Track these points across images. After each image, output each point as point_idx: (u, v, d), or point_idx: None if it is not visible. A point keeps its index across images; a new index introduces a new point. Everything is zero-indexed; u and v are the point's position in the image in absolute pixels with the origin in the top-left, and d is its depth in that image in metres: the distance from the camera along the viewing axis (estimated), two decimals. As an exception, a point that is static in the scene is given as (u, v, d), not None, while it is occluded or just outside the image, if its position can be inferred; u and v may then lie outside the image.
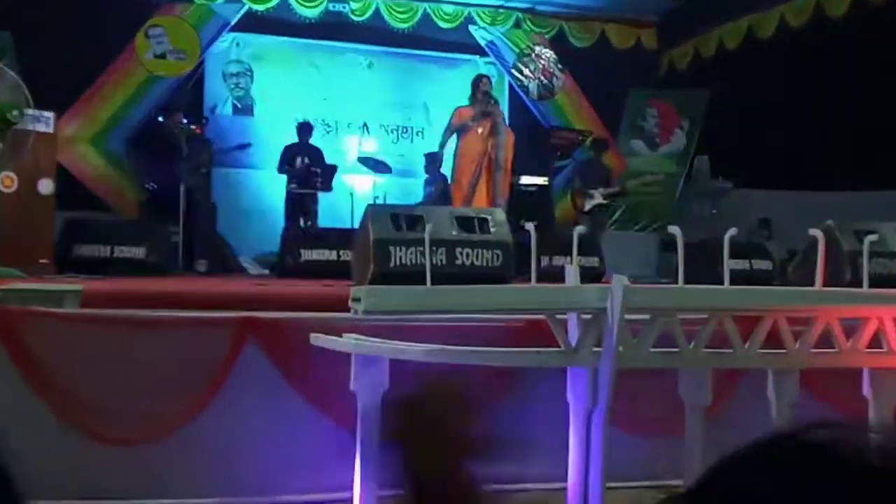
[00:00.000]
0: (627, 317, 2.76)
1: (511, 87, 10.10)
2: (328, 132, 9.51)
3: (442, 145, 7.43)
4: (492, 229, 4.56)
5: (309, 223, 7.79)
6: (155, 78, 8.61)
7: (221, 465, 3.57)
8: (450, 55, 9.89)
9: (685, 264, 3.18)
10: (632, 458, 3.58)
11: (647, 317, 2.94)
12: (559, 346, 2.86)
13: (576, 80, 10.06)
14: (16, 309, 3.59)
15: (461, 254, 4.40)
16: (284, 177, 8.24)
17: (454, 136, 7.23)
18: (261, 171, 9.01)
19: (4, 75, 5.52)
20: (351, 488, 3.23)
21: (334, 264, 5.73)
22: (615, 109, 10.14)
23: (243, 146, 8.07)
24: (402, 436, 0.72)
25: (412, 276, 3.88)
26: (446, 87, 9.44)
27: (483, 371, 3.56)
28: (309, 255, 5.84)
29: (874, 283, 3.66)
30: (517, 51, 10.06)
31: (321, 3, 9.23)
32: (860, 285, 3.55)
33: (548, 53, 10.08)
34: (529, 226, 3.68)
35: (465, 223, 4.56)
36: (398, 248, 4.33)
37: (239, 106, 9.41)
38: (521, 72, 10.04)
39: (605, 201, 8.23)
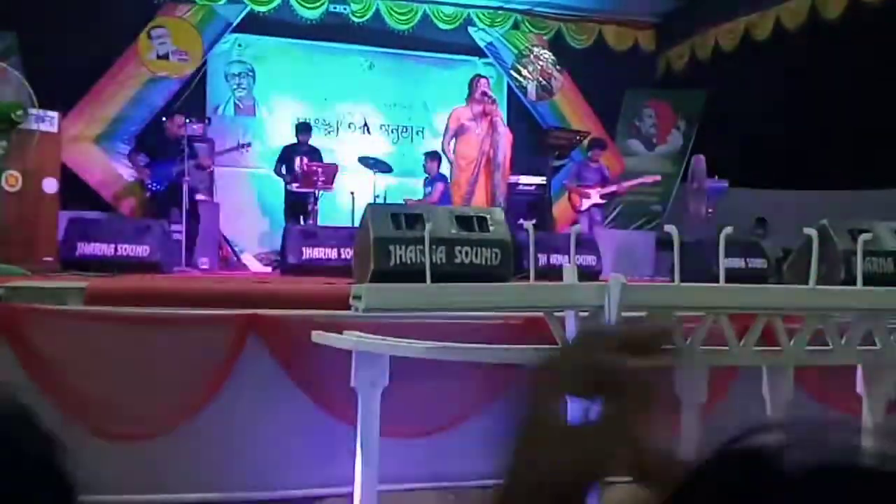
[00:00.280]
0: (624, 314, 2.80)
1: (510, 87, 10.15)
2: (329, 132, 9.56)
3: (443, 149, 7.47)
4: (491, 228, 4.60)
5: (310, 221, 7.84)
6: (158, 78, 8.65)
7: (224, 461, 3.61)
8: (449, 56, 9.94)
9: (681, 263, 3.22)
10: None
11: (643, 315, 2.98)
12: (557, 344, 2.91)
13: (574, 80, 10.11)
14: (20, 306, 3.62)
15: (460, 252, 4.43)
16: (277, 175, 8.29)
17: (454, 140, 7.28)
18: (263, 170, 9.06)
19: (9, 75, 5.56)
20: (352, 484, 3.27)
21: (335, 262, 5.77)
22: (613, 110, 10.19)
23: (243, 146, 8.11)
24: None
25: (412, 274, 3.92)
26: (446, 88, 9.49)
27: (482, 368, 3.61)
28: (310, 253, 5.88)
29: (868, 281, 3.70)
30: (516, 52, 10.11)
31: (322, 4, 9.28)
32: (854, 284, 3.59)
33: (546, 54, 10.13)
34: (528, 225, 3.72)
35: (464, 222, 4.60)
36: (398, 247, 4.37)
37: (241, 106, 9.46)
38: (519, 73, 10.09)
39: (601, 201, 8.30)
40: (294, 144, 8.40)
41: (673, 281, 3.25)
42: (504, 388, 3.73)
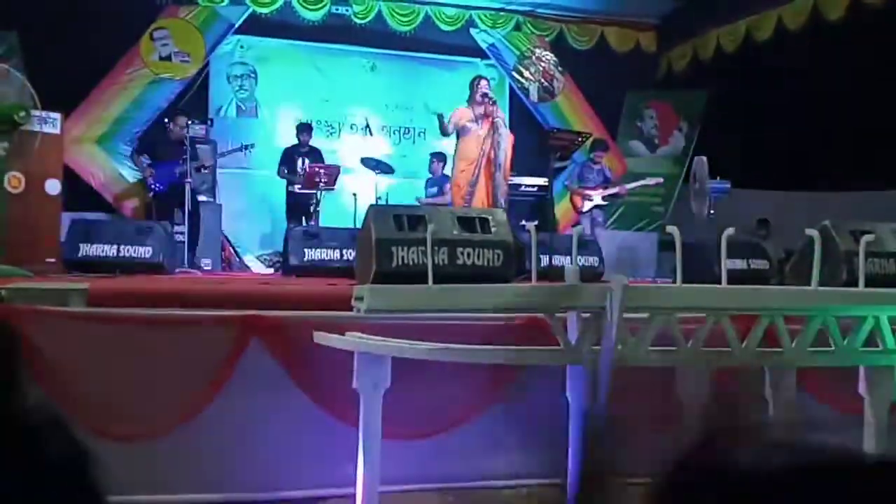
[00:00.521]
0: (626, 316, 2.80)
1: (511, 89, 10.16)
2: (331, 133, 9.57)
3: (444, 131, 7.42)
4: (493, 229, 4.61)
5: (312, 223, 7.85)
6: (160, 80, 8.66)
7: (225, 462, 3.61)
8: (451, 58, 9.94)
9: (683, 264, 3.22)
10: (630, 455, 3.61)
11: (645, 316, 2.98)
12: (559, 345, 2.91)
13: (576, 82, 10.12)
14: (23, 307, 3.63)
15: (462, 253, 4.44)
16: (279, 176, 8.30)
17: (454, 134, 7.27)
18: (265, 171, 9.07)
19: (11, 77, 5.57)
20: (353, 484, 3.27)
21: (337, 263, 5.78)
22: (614, 111, 10.19)
23: (246, 147, 8.12)
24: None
25: (414, 275, 3.92)
26: (447, 89, 9.49)
27: (484, 369, 3.61)
28: (312, 254, 5.89)
29: (870, 282, 3.70)
30: (518, 53, 10.11)
31: (324, 6, 9.30)
32: (856, 285, 3.59)
33: (548, 56, 10.13)
34: (530, 226, 3.73)
35: (466, 223, 4.60)
36: (400, 248, 4.37)
37: (243, 107, 9.48)
38: (521, 74, 10.10)
39: (603, 202, 8.30)
40: (295, 145, 8.41)
41: (675, 282, 3.25)
42: (506, 389, 3.73)
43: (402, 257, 4.36)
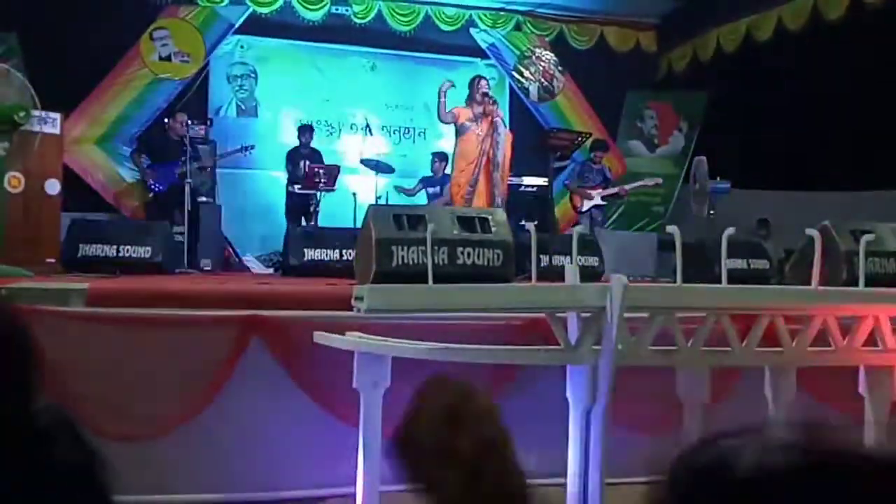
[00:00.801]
0: (626, 315, 2.80)
1: (511, 88, 10.16)
2: (331, 133, 9.57)
3: (440, 118, 7.43)
4: (493, 229, 4.61)
5: (312, 223, 7.85)
6: (160, 80, 8.66)
7: (225, 462, 3.61)
8: (451, 57, 9.94)
9: (683, 264, 3.22)
10: (630, 456, 3.61)
11: (645, 315, 2.98)
12: (559, 345, 2.91)
13: (575, 81, 10.12)
14: (22, 307, 3.63)
15: (462, 253, 4.44)
16: (286, 177, 8.30)
17: (450, 128, 7.28)
18: (265, 171, 9.07)
19: (11, 77, 5.57)
20: (354, 484, 3.27)
21: (337, 264, 5.78)
22: (614, 111, 10.20)
23: (246, 148, 8.12)
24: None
25: (414, 275, 3.92)
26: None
27: (484, 369, 3.61)
28: (312, 254, 5.89)
29: (870, 282, 3.70)
30: (518, 53, 10.11)
31: (324, 6, 9.30)
32: (856, 284, 3.59)
33: (548, 55, 10.13)
34: (530, 226, 3.73)
35: (466, 223, 4.60)
36: (400, 248, 4.37)
37: (243, 108, 9.47)
38: (521, 74, 10.10)
39: (603, 202, 8.29)
40: (296, 147, 8.41)
41: (675, 282, 3.25)
42: (505, 389, 3.73)
43: (402, 257, 4.36)
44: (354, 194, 8.25)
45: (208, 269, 7.15)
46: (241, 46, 9.42)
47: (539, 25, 10.20)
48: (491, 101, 7.11)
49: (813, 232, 3.55)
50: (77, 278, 4.78)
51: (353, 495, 3.27)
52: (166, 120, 7.93)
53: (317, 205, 7.92)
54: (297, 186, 8.04)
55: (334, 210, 8.22)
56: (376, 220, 4.49)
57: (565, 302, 2.96)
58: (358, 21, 9.52)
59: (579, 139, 7.95)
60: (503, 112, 8.01)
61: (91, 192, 8.23)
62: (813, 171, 8.81)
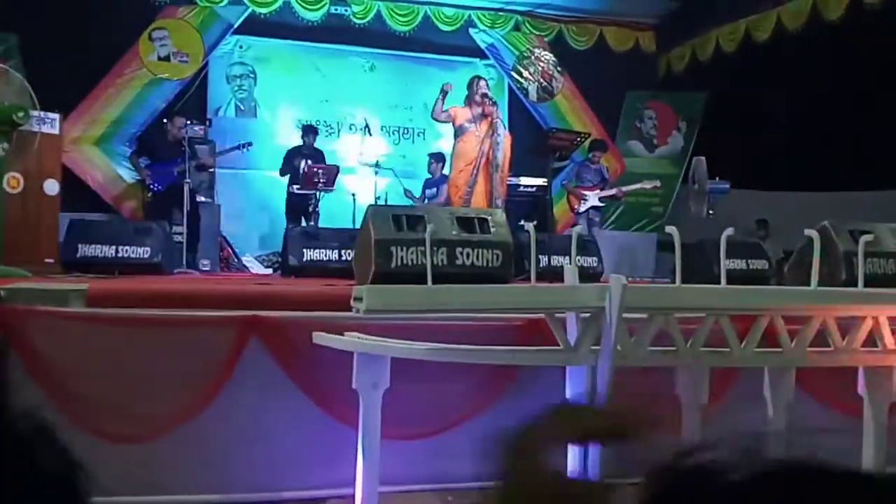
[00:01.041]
0: (625, 316, 2.80)
1: (510, 89, 10.16)
2: (330, 134, 9.57)
3: (433, 117, 7.44)
4: (492, 230, 4.61)
5: (311, 223, 7.84)
6: (159, 80, 8.66)
7: (225, 463, 3.61)
8: (450, 58, 9.95)
9: (682, 264, 3.23)
10: (630, 456, 3.62)
11: (644, 316, 2.98)
12: (558, 345, 2.91)
13: (574, 81, 10.12)
14: (22, 308, 3.62)
15: (461, 254, 4.44)
16: (286, 177, 8.30)
17: (449, 129, 7.28)
18: (263, 171, 9.08)
19: (10, 77, 5.56)
20: (353, 485, 3.27)
21: (336, 264, 5.78)
22: (613, 111, 10.20)
23: (244, 145, 8.12)
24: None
25: (413, 275, 3.92)
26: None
27: (483, 369, 3.61)
28: (311, 254, 5.89)
29: (869, 282, 3.71)
30: (517, 53, 10.12)
31: (323, 6, 9.30)
32: (855, 285, 3.59)
33: (547, 56, 10.14)
34: (529, 226, 3.73)
35: (465, 223, 4.60)
36: (399, 248, 4.37)
37: (242, 108, 9.47)
38: (520, 74, 10.10)
39: (600, 203, 8.27)
40: (298, 147, 8.41)
41: (674, 282, 3.25)
42: (505, 389, 3.73)
43: (402, 257, 4.36)
44: (353, 195, 8.25)
45: (207, 269, 7.16)
46: (240, 46, 9.42)
47: (538, 26, 10.21)
48: (490, 102, 7.11)
49: (812, 232, 3.55)
50: (76, 279, 4.77)
51: (352, 496, 3.26)
52: (165, 120, 7.93)
53: (317, 205, 7.92)
54: (295, 186, 8.04)
55: (333, 210, 8.23)
56: (375, 220, 4.49)
57: (564, 302, 2.96)
58: (357, 21, 9.52)
59: (579, 139, 7.95)
60: (502, 112, 8.01)
61: (90, 192, 8.23)
62: (812, 171, 8.81)
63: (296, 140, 8.67)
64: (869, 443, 3.18)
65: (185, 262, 6.92)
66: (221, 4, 8.97)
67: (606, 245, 6.87)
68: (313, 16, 9.34)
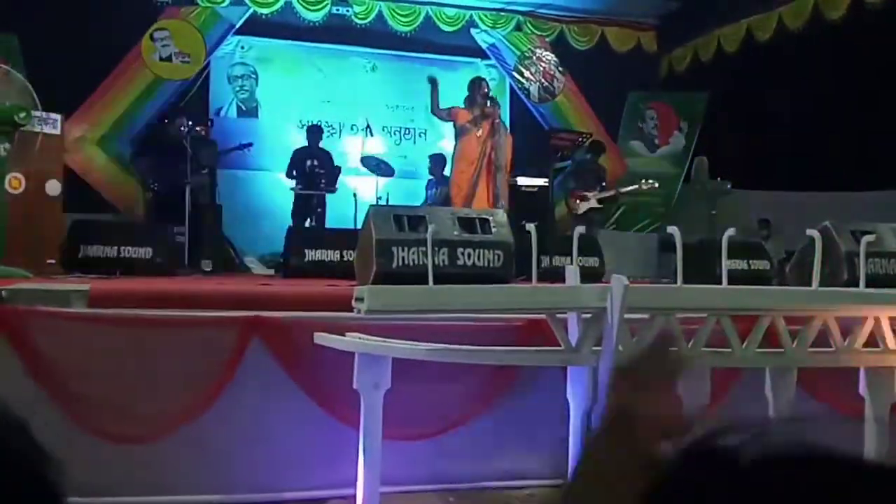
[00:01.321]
0: (627, 316, 2.80)
1: (512, 89, 10.16)
2: (331, 134, 9.57)
3: (433, 113, 7.44)
4: (493, 230, 4.61)
5: (315, 223, 7.84)
6: (160, 80, 8.66)
7: (226, 463, 3.62)
8: (452, 58, 9.94)
9: (684, 264, 3.23)
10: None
11: (646, 316, 2.98)
12: (559, 346, 2.91)
13: (576, 82, 10.11)
14: (23, 309, 3.63)
15: (463, 254, 4.44)
16: (289, 178, 8.30)
17: (450, 129, 7.28)
18: (265, 172, 9.08)
19: (12, 78, 5.57)
20: (354, 485, 3.27)
21: (338, 264, 5.78)
22: (615, 111, 10.19)
23: (244, 146, 8.13)
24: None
25: (414, 276, 3.93)
26: (448, 90, 9.47)
27: (484, 370, 3.61)
28: (313, 255, 5.89)
29: (871, 282, 3.71)
30: (518, 53, 10.11)
31: (325, 6, 9.29)
32: (857, 285, 3.59)
33: (548, 56, 10.13)
34: (530, 226, 3.73)
35: (466, 224, 4.61)
36: (400, 249, 4.38)
37: (243, 108, 9.48)
38: (521, 74, 10.09)
39: (599, 205, 8.22)
40: (304, 147, 8.41)
41: (676, 282, 3.25)
42: (507, 390, 3.73)
43: (403, 258, 4.37)
44: (355, 195, 8.25)
45: (209, 269, 7.15)
46: (242, 47, 9.43)
47: (539, 26, 10.20)
48: (492, 103, 7.11)
49: (813, 232, 3.55)
50: (78, 279, 4.78)
51: (354, 496, 3.27)
52: (167, 121, 7.93)
53: (323, 205, 7.92)
54: (298, 187, 8.05)
55: (335, 211, 8.23)
56: (377, 220, 4.50)
57: (566, 303, 2.97)
58: (358, 21, 9.52)
59: (580, 140, 7.94)
60: (504, 113, 8.01)
61: (92, 192, 8.23)
62: (814, 171, 8.80)
63: (297, 140, 8.67)
64: (870, 443, 3.17)
65: (186, 262, 6.92)
66: (223, 5, 8.97)
67: (608, 245, 6.87)
68: (314, 16, 9.34)
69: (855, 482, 0.54)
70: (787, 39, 8.69)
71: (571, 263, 3.56)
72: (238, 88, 9.45)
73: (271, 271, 7.70)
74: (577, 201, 8.19)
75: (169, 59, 8.69)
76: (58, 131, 6.00)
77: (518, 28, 10.15)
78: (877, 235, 4.58)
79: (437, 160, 8.62)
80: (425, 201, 8.57)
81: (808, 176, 8.91)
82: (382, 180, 8.46)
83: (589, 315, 2.88)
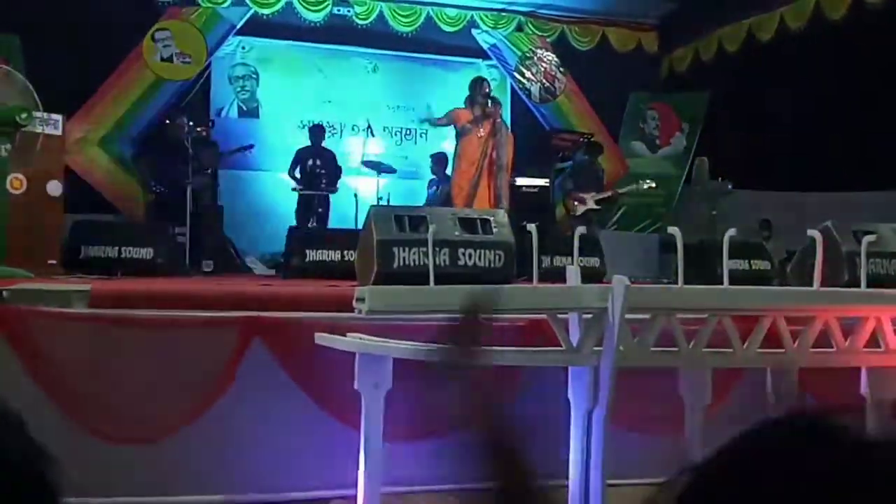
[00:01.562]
0: (628, 316, 2.80)
1: (513, 89, 10.15)
2: (332, 134, 9.55)
3: (430, 121, 7.45)
4: (494, 230, 4.61)
5: (318, 224, 7.84)
6: (162, 81, 8.66)
7: (227, 463, 3.61)
8: (453, 58, 9.94)
9: (685, 265, 3.23)
10: (631, 456, 3.62)
11: (647, 316, 2.98)
12: (560, 346, 2.91)
13: (577, 82, 10.11)
14: (24, 309, 3.63)
15: (464, 254, 4.44)
16: (289, 178, 8.30)
17: (451, 130, 7.28)
18: (266, 172, 9.08)
19: (13, 79, 5.57)
20: (355, 486, 3.27)
21: (339, 265, 5.77)
22: (616, 112, 10.19)
23: (246, 147, 8.13)
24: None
25: (415, 276, 3.93)
26: (449, 90, 9.49)
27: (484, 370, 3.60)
28: (314, 255, 5.89)
29: (872, 282, 3.70)
30: (519, 54, 10.11)
31: (326, 7, 9.29)
32: (858, 285, 3.59)
33: (549, 56, 10.13)
34: (531, 227, 3.73)
35: (467, 224, 4.61)
36: (401, 249, 4.38)
37: (244, 109, 9.48)
38: (523, 75, 10.09)
39: (597, 206, 8.20)
40: (307, 147, 8.41)
41: (677, 283, 3.25)
42: (507, 389, 3.72)
43: (404, 258, 4.36)
44: (356, 195, 8.25)
45: (210, 270, 7.15)
46: (243, 47, 9.43)
47: (540, 26, 10.20)
48: (493, 103, 7.11)
49: (814, 233, 3.55)
50: (79, 280, 4.78)
51: (355, 497, 3.27)
52: (168, 121, 7.93)
53: (327, 205, 7.91)
54: (300, 188, 8.05)
55: (336, 211, 8.23)
56: (378, 221, 4.50)
57: (567, 303, 2.96)
58: (359, 22, 9.52)
59: (581, 140, 7.94)
60: (505, 113, 8.01)
61: (93, 193, 8.23)
62: (815, 171, 8.79)
63: (298, 141, 8.66)
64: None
65: (187, 263, 6.92)
66: (224, 5, 8.97)
67: (609, 245, 6.86)
68: (316, 17, 9.33)
69: None
70: (788, 39, 8.69)
71: (572, 264, 3.56)
72: (239, 89, 9.45)
73: (272, 271, 7.70)
74: (575, 203, 8.17)
75: (170, 59, 8.69)
76: (59, 132, 6.00)
77: (519, 28, 10.15)
78: (878, 235, 4.58)
79: (439, 159, 8.61)
80: (426, 201, 8.57)
81: (808, 176, 8.90)
82: (383, 180, 8.46)
83: (590, 315, 2.88)
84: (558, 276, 4.03)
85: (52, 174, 5.91)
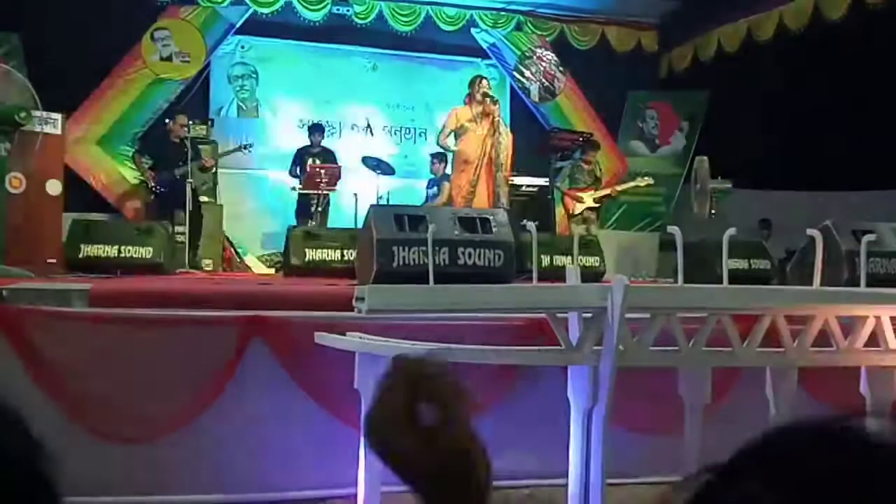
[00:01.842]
0: (628, 316, 2.79)
1: (512, 88, 10.16)
2: (332, 133, 9.56)
3: (440, 144, 7.47)
4: (494, 229, 4.61)
5: (318, 223, 7.84)
6: (161, 80, 8.66)
7: (227, 463, 3.61)
8: (452, 57, 9.95)
9: (685, 264, 3.23)
10: (631, 456, 3.62)
11: (647, 316, 2.98)
12: (560, 345, 2.91)
13: (576, 81, 10.12)
14: (24, 308, 3.63)
15: (463, 254, 4.44)
16: (288, 177, 8.30)
17: (453, 135, 7.27)
18: (265, 171, 9.08)
19: (13, 78, 5.58)
20: (355, 485, 3.27)
21: (338, 264, 5.78)
22: (615, 111, 10.20)
23: (245, 146, 8.13)
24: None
25: (415, 275, 3.93)
26: (448, 89, 9.49)
27: (485, 369, 3.61)
28: (313, 254, 5.90)
29: (872, 282, 3.70)
30: (518, 53, 10.12)
31: (325, 6, 9.29)
32: (858, 284, 3.59)
33: (549, 55, 10.13)
34: (531, 226, 3.73)
35: (467, 223, 4.60)
36: (401, 248, 4.38)
37: (244, 108, 9.48)
38: (522, 74, 10.09)
39: (595, 204, 8.19)
40: (307, 146, 8.41)
41: (676, 282, 3.25)
42: (507, 389, 3.73)
43: (403, 257, 4.36)
44: (356, 194, 8.25)
45: (209, 269, 7.16)
46: (242, 47, 9.43)
47: (540, 25, 10.20)
48: (491, 101, 7.10)
49: (814, 232, 3.55)
50: (78, 279, 4.78)
51: (355, 496, 3.26)
52: (167, 120, 7.93)
53: (326, 205, 7.92)
54: (300, 187, 8.05)
55: (336, 211, 8.23)
56: (377, 220, 4.50)
57: (566, 302, 2.96)
58: (359, 21, 9.52)
59: (580, 139, 7.93)
60: (504, 112, 8.00)
61: (92, 192, 8.24)
62: (814, 170, 8.80)
63: (298, 140, 8.66)
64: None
65: (187, 262, 6.93)
66: (223, 5, 8.97)
67: (608, 245, 6.86)
68: (315, 16, 9.34)
69: None
70: (787, 39, 8.69)
71: (572, 263, 3.56)
72: (238, 88, 9.46)
73: (271, 271, 7.71)
74: (574, 202, 8.16)
75: (169, 58, 8.70)
76: (58, 131, 6.01)
77: (518, 28, 10.15)
78: (877, 235, 4.59)
79: (439, 158, 8.61)
80: (426, 201, 8.57)
81: (808, 176, 8.91)
82: (383, 180, 8.46)
83: (590, 315, 2.88)
84: (558, 275, 4.03)
85: (51, 173, 5.92)
